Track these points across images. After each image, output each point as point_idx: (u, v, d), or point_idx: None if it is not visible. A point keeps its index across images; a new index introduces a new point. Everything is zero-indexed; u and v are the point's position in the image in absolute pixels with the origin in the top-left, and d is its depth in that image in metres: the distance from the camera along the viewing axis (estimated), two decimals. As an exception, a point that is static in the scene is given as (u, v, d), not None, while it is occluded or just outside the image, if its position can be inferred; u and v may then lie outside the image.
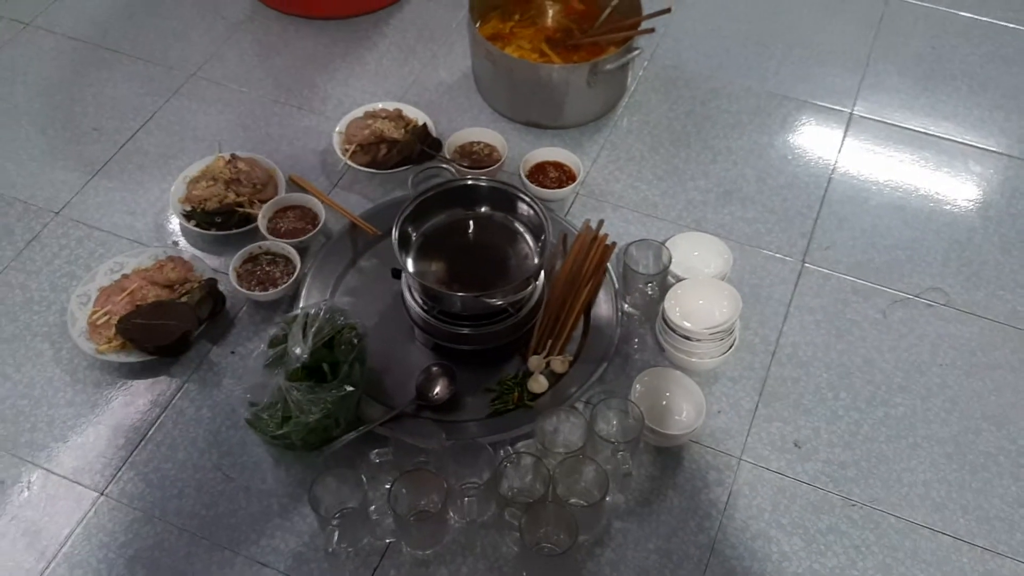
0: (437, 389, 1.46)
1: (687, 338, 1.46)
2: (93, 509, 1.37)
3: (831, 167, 1.84)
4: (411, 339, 1.54)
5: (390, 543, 1.33)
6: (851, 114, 1.95)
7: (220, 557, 1.33)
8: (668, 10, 1.85)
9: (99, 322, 1.52)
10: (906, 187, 1.82)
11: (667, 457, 1.43)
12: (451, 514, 1.33)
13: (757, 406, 1.49)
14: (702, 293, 1.51)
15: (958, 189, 1.81)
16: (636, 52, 1.81)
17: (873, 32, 2.12)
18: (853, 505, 1.39)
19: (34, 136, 1.88)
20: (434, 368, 1.48)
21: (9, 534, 1.35)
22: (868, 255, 1.70)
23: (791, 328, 1.59)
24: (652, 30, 1.81)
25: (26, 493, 1.39)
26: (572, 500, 1.30)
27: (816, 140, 1.90)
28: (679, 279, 1.55)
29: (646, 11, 1.85)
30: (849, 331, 1.59)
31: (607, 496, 1.27)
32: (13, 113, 1.92)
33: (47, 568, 1.32)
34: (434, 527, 1.31)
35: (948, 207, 1.78)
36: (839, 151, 1.88)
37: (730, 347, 1.49)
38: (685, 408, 1.44)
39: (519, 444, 1.41)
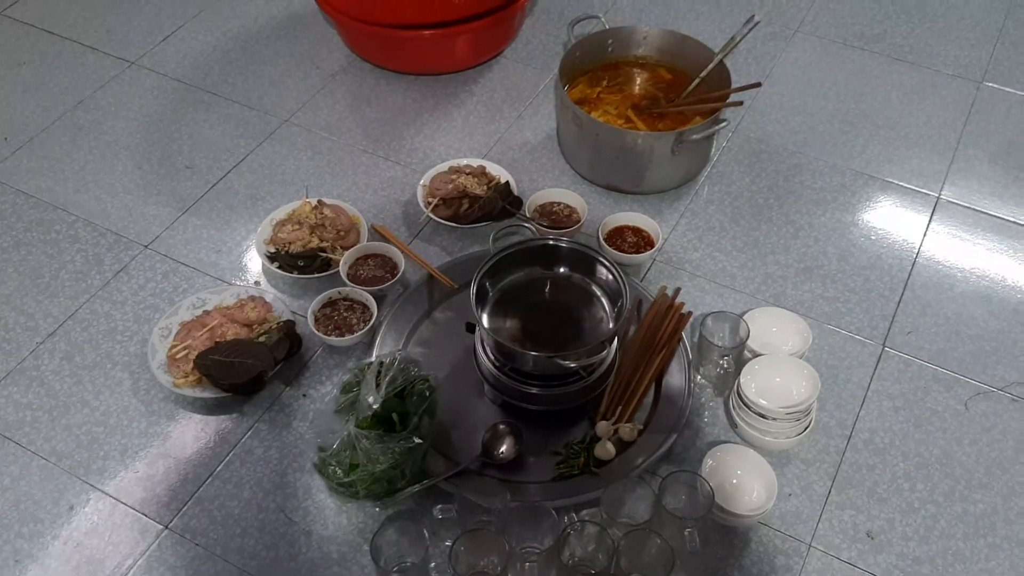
0: (503, 448, 1.45)
1: (762, 416, 1.43)
2: (157, 542, 1.38)
3: (915, 250, 1.81)
4: (480, 394, 1.54)
5: (447, 601, 1.32)
6: (938, 198, 1.91)
7: (277, 601, 1.33)
8: (758, 84, 1.85)
9: (178, 356, 1.55)
10: (993, 276, 1.77)
11: (734, 537, 1.39)
12: (510, 577, 1.31)
13: (830, 492, 1.45)
14: (780, 371, 1.48)
15: (1048, 282, 1.77)
16: (723, 124, 1.81)
17: (964, 118, 2.09)
18: (927, 604, 1.34)
19: (130, 170, 1.95)
20: (501, 426, 1.47)
21: (72, 560, 1.37)
22: (951, 343, 1.65)
23: (868, 413, 1.55)
24: (740, 103, 1.81)
25: (93, 520, 1.41)
26: (635, 574, 1.27)
27: (901, 222, 1.87)
28: (756, 354, 1.53)
29: (735, 84, 1.85)
30: (929, 421, 1.54)
31: (671, 573, 1.24)
32: (113, 147, 2.00)
33: (108, 597, 1.33)
34: (493, 590, 1.29)
35: (1037, 300, 1.74)
36: (924, 235, 1.84)
37: (805, 428, 1.46)
38: (756, 488, 1.40)
39: (583, 512, 1.39)
